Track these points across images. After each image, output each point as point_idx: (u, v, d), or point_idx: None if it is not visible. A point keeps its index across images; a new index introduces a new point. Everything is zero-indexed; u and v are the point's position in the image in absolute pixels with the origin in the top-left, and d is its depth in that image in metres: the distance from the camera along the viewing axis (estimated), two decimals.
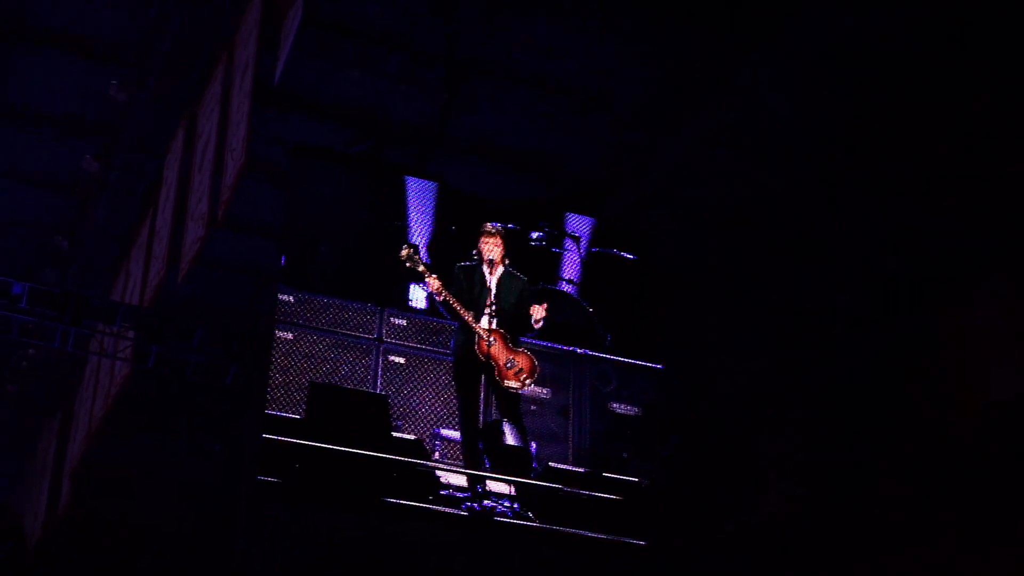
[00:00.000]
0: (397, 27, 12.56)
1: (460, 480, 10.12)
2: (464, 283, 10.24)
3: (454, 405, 10.70)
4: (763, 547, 12.54)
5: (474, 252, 10.34)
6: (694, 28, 12.27)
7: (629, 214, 13.89)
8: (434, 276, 9.99)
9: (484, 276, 10.26)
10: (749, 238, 14.68)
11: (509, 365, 10.09)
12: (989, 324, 12.01)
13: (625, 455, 11.24)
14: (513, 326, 10.23)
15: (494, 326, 10.10)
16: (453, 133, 13.85)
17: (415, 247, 10.21)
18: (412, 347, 11.24)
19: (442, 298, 10.08)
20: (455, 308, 10.04)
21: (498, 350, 10.07)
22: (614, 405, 11.75)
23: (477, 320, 10.06)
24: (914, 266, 13.20)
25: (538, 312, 10.23)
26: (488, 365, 10.05)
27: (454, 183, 12.41)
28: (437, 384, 11.13)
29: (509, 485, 10.07)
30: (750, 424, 13.54)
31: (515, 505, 9.99)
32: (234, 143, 10.76)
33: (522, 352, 10.18)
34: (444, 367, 11.10)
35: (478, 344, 10.01)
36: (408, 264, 10.02)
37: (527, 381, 10.16)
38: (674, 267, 13.97)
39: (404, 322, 11.29)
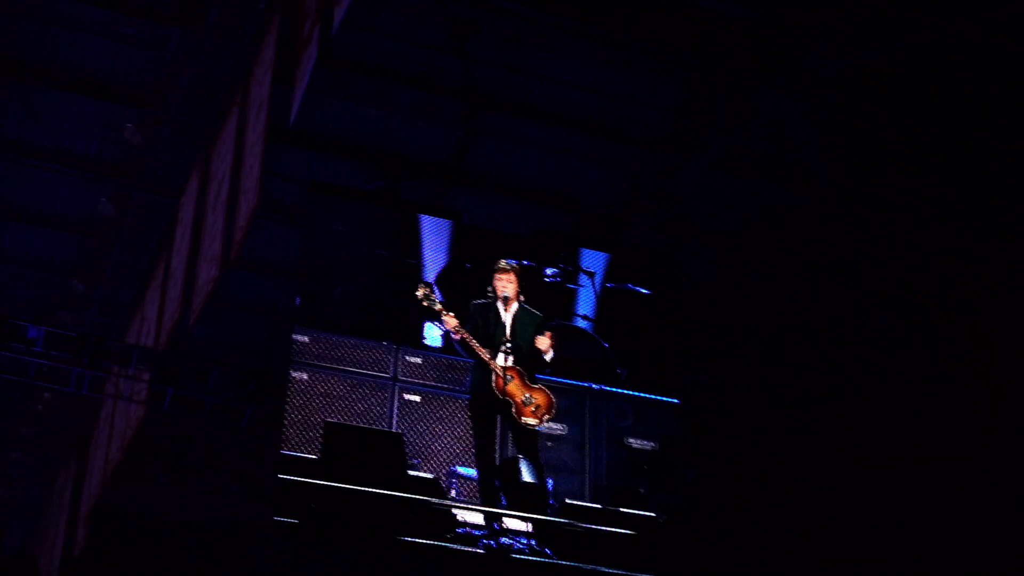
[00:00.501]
0: (413, 63, 12.62)
1: (477, 518, 10.07)
2: (479, 321, 10.21)
3: (470, 442, 10.65)
4: (789, 572, 12.46)
5: (489, 289, 10.31)
6: (710, 55, 12.31)
7: (648, 240, 13.88)
8: (450, 315, 9.97)
9: (499, 313, 10.23)
10: (769, 260, 14.66)
11: (526, 402, 10.04)
12: (1012, 340, 11.96)
13: (642, 490, 11.17)
14: (529, 363, 10.19)
15: (510, 363, 10.06)
16: (470, 167, 13.89)
17: (431, 286, 10.19)
18: (427, 385, 11.20)
19: (459, 337, 10.06)
20: (472, 346, 10.01)
21: (515, 387, 10.03)
22: (631, 440, 11.68)
23: (493, 357, 10.02)
24: (936, 283, 13.15)
25: (544, 343, 10.19)
26: (505, 402, 10.01)
27: (470, 216, 12.41)
28: (453, 421, 11.08)
29: (526, 522, 10.01)
30: (772, 447, 13.47)
31: (532, 542, 9.93)
32: (247, 184, 10.79)
33: (539, 388, 10.13)
34: (459, 405, 11.05)
35: (495, 381, 9.97)
36: (425, 303, 10.01)
37: (545, 417, 10.12)
38: (694, 291, 13.95)
39: (419, 360, 11.25)
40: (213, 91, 13.06)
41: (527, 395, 10.05)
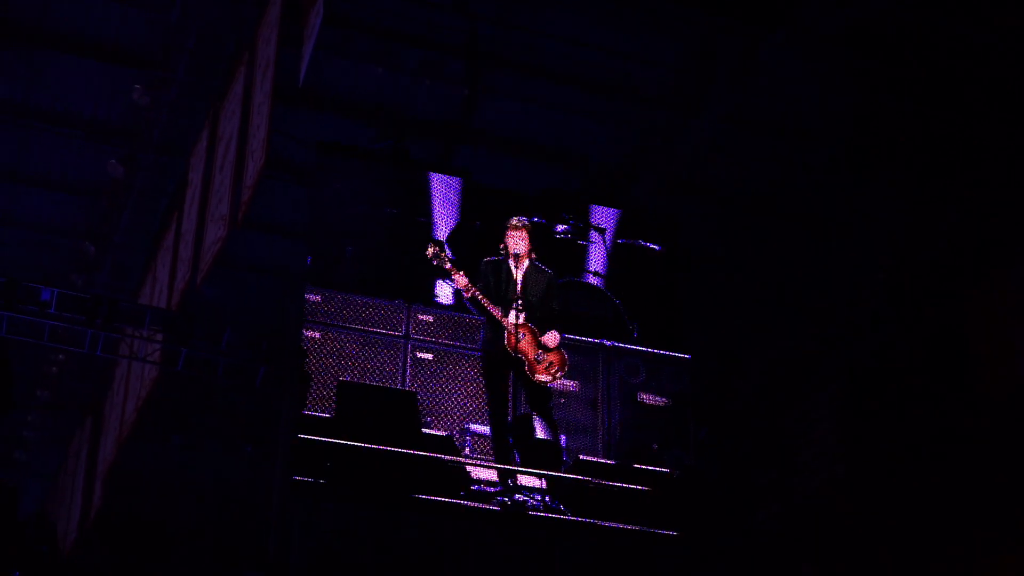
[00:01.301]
0: (417, 22, 12.58)
1: (491, 475, 10.12)
2: (491, 278, 10.21)
3: (483, 400, 10.69)
4: (798, 531, 12.50)
5: (501, 247, 10.31)
6: (713, 10, 12.26)
7: (654, 200, 13.86)
8: (460, 273, 9.97)
9: (511, 271, 10.23)
10: (775, 220, 14.64)
11: (539, 359, 10.07)
12: (1018, 302, 11.94)
13: (655, 446, 11.21)
14: (540, 320, 10.21)
15: (522, 320, 10.07)
16: (476, 126, 13.88)
17: (441, 244, 10.21)
18: (440, 343, 11.23)
19: (470, 295, 10.06)
20: (483, 304, 10.02)
21: (527, 344, 10.05)
22: (642, 396, 11.71)
23: (505, 315, 10.03)
24: (943, 245, 13.12)
25: (552, 340, 10.16)
26: (518, 360, 10.03)
27: (478, 176, 12.41)
28: (466, 379, 11.12)
29: (540, 479, 10.06)
30: (782, 407, 13.50)
31: (546, 498, 9.98)
32: (254, 144, 10.78)
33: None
34: (472, 362, 11.08)
35: (507, 339, 9.99)
36: (435, 262, 10.00)
37: (558, 375, 10.15)
38: (700, 251, 13.95)
39: (431, 318, 11.27)
40: (220, 52, 13.04)
41: (539, 353, 10.07)
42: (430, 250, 10.01)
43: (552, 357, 10.10)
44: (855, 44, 12.34)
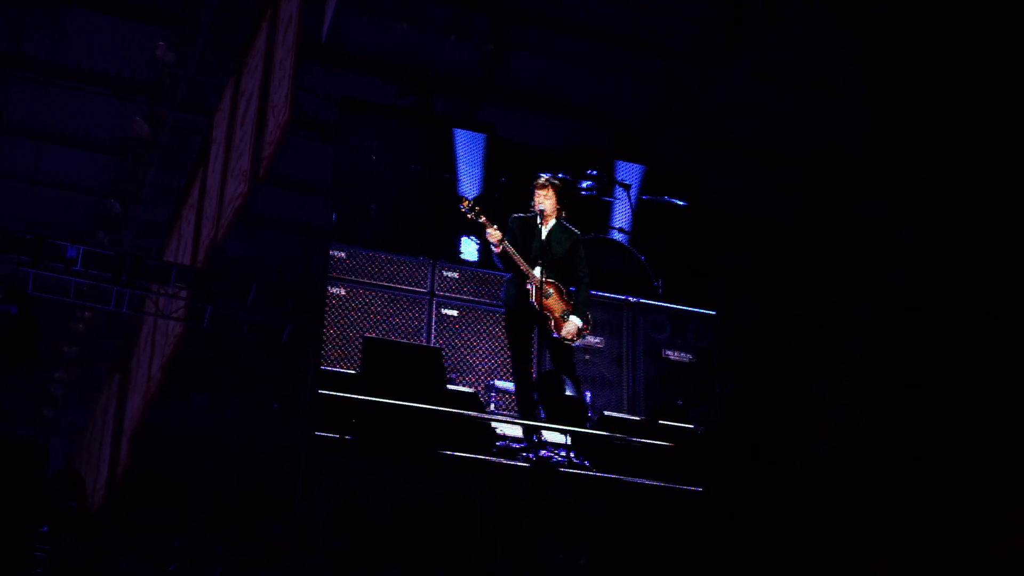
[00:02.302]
0: None
1: (516, 431, 10.13)
2: (518, 234, 10.18)
3: (508, 356, 10.68)
4: (820, 488, 12.48)
5: (531, 203, 10.30)
6: None
7: (681, 154, 13.79)
8: (495, 227, 9.95)
9: (537, 227, 10.21)
10: (804, 172, 14.55)
11: (565, 317, 10.06)
12: None
13: (680, 402, 11.20)
14: (565, 276, 10.18)
15: (547, 277, 10.06)
16: (501, 82, 13.81)
17: (473, 201, 10.18)
18: (464, 300, 11.22)
19: (500, 250, 10.04)
20: (514, 259, 9.99)
21: (554, 301, 10.04)
22: (668, 352, 11.70)
23: (532, 271, 10.02)
24: (976, 194, 13.00)
25: (571, 328, 10.15)
26: (543, 316, 10.02)
27: (503, 132, 12.35)
28: (490, 335, 11.12)
29: (565, 435, 10.07)
30: (808, 360, 13.44)
31: (572, 454, 9.99)
32: (276, 100, 10.75)
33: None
34: (497, 319, 11.07)
35: (533, 295, 9.98)
36: (469, 215, 9.98)
37: (584, 332, 10.15)
38: (727, 206, 13.88)
39: (456, 275, 11.26)
40: (244, 7, 12.99)
41: (566, 310, 10.06)
42: (464, 204, 10.00)
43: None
44: None
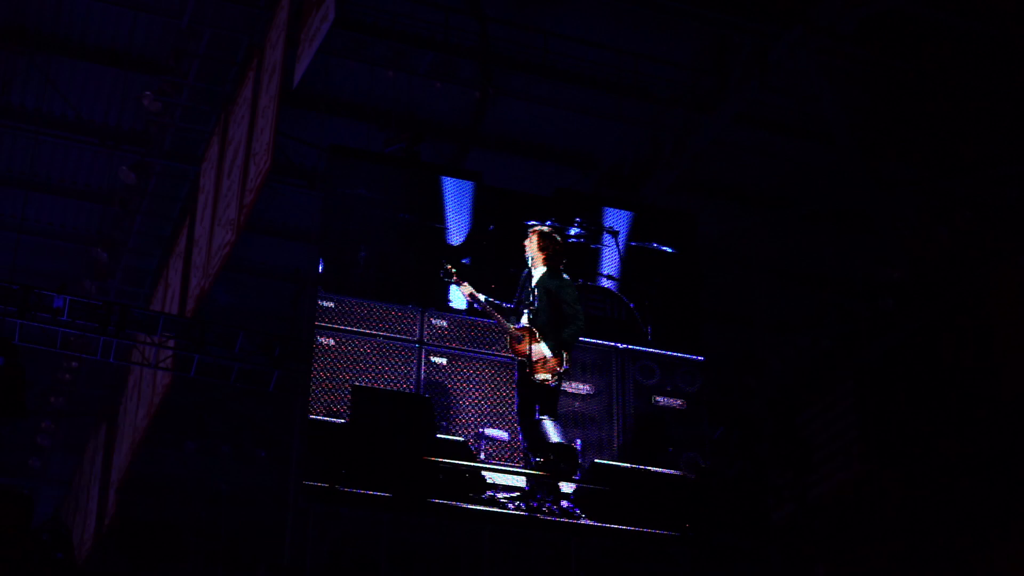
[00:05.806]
0: (429, 24, 12.55)
1: (506, 479, 10.08)
2: (521, 286, 10.36)
3: (497, 404, 10.69)
4: (814, 531, 12.46)
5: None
6: (726, 9, 12.24)
7: (669, 198, 13.83)
8: (464, 283, 10.12)
9: (531, 276, 10.33)
10: (790, 215, 14.61)
11: (536, 358, 10.10)
12: None
13: (670, 449, 11.16)
14: (555, 323, 10.22)
15: (533, 325, 10.13)
16: (488, 127, 13.85)
17: (450, 265, 10.30)
18: (453, 348, 11.18)
19: (475, 303, 10.19)
20: (488, 312, 10.15)
21: (525, 346, 10.09)
22: (658, 399, 11.65)
23: (517, 320, 10.09)
24: (960, 236, 13.05)
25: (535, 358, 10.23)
26: (521, 363, 10.10)
27: (491, 177, 12.36)
28: (479, 383, 11.07)
29: (555, 483, 10.03)
30: (798, 404, 13.44)
31: (561, 502, 9.94)
32: (258, 147, 10.77)
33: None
34: (486, 366, 11.03)
35: (510, 345, 10.07)
36: (446, 279, 10.23)
37: (555, 371, 10.15)
38: (714, 250, 13.91)
39: (445, 323, 11.22)
40: (230, 57, 13.03)
41: (536, 353, 10.11)
42: (442, 272, 10.16)
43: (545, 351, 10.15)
44: (867, 42, 12.30)
